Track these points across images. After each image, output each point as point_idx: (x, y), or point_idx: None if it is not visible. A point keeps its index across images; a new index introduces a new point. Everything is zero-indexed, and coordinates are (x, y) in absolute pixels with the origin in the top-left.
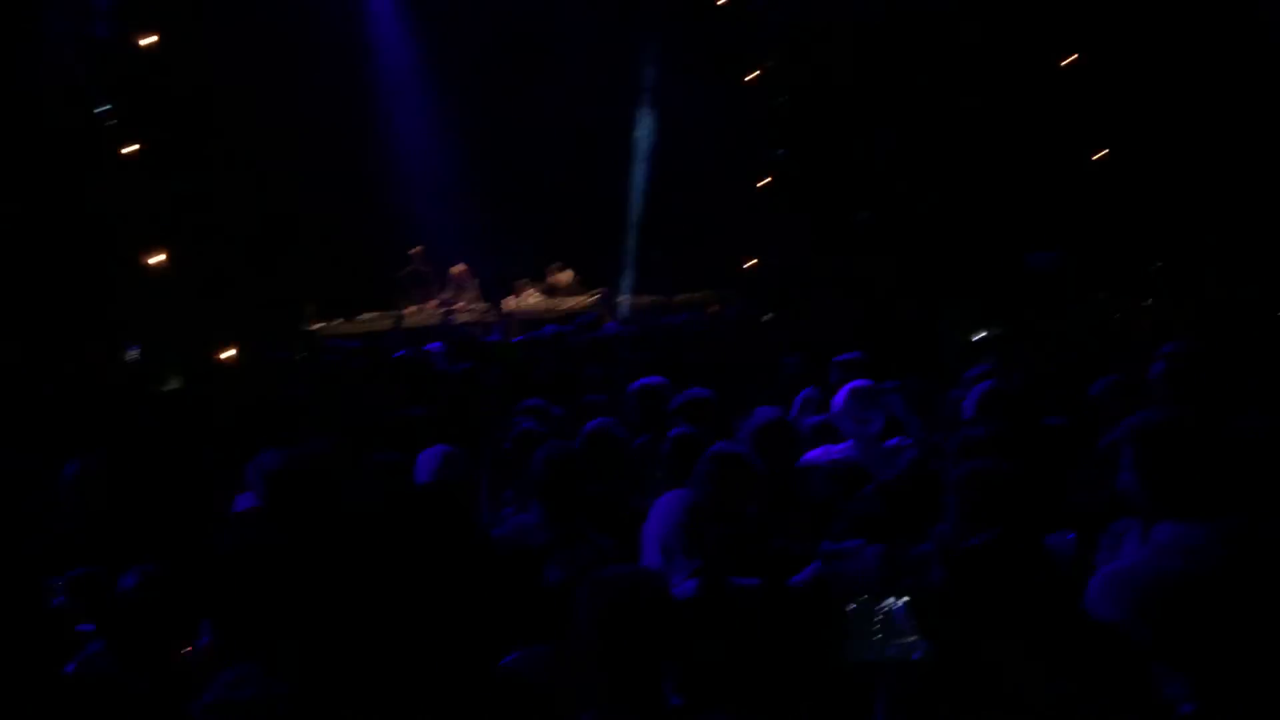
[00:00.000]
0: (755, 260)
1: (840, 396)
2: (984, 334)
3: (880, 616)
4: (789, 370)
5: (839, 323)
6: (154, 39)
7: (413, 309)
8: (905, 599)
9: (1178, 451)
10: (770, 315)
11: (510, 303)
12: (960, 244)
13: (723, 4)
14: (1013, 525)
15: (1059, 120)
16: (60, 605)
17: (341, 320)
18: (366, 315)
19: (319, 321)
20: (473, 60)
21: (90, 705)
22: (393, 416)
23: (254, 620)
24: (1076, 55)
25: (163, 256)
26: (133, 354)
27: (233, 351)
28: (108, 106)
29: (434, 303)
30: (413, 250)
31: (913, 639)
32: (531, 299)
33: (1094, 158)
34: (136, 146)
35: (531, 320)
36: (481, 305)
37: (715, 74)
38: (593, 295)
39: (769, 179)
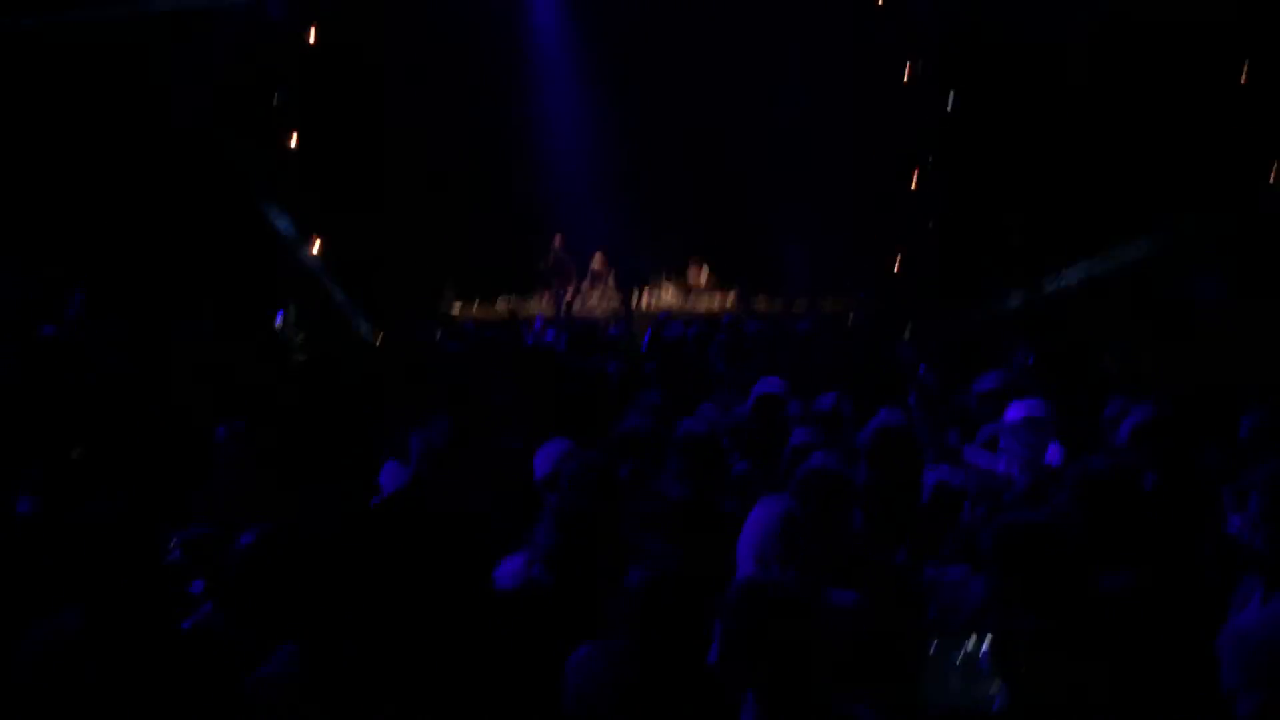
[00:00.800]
0: (898, 265)
1: (1013, 416)
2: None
3: (961, 658)
4: (924, 383)
5: (981, 340)
6: (315, 29)
7: (548, 297)
8: (988, 641)
9: None
10: (910, 329)
11: (646, 297)
12: (1116, 264)
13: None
14: (1150, 570)
15: (1231, 138)
16: (175, 562)
17: (479, 304)
18: (504, 300)
19: (458, 303)
20: (624, 57)
21: (196, 662)
22: (511, 403)
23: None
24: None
25: (317, 244)
26: (278, 321)
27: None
28: (278, 95)
29: (569, 292)
30: (555, 238)
31: (994, 687)
32: (667, 295)
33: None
34: (295, 135)
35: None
36: (616, 297)
37: (866, 74)
38: (728, 294)
39: (916, 184)
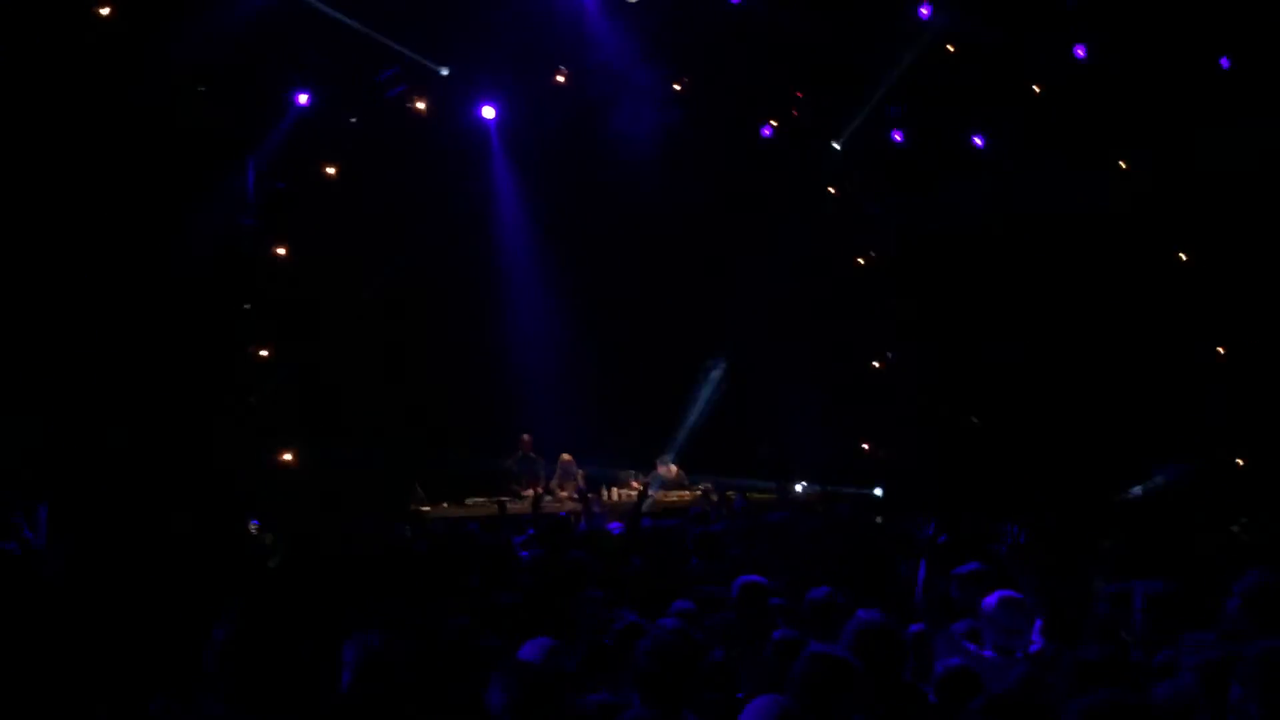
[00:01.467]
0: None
1: (990, 603)
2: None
3: None
4: (902, 572)
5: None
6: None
7: (517, 497)
8: None
9: None
10: (881, 518)
11: (614, 494)
12: (1081, 452)
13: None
14: None
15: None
16: None
17: (448, 504)
18: (472, 500)
19: (426, 505)
20: (589, 254)
21: None
22: (485, 601)
23: None
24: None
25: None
26: (255, 526)
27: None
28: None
29: (539, 489)
30: (522, 437)
31: None
32: (636, 490)
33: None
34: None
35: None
36: (587, 494)
37: (821, 266)
38: (697, 489)
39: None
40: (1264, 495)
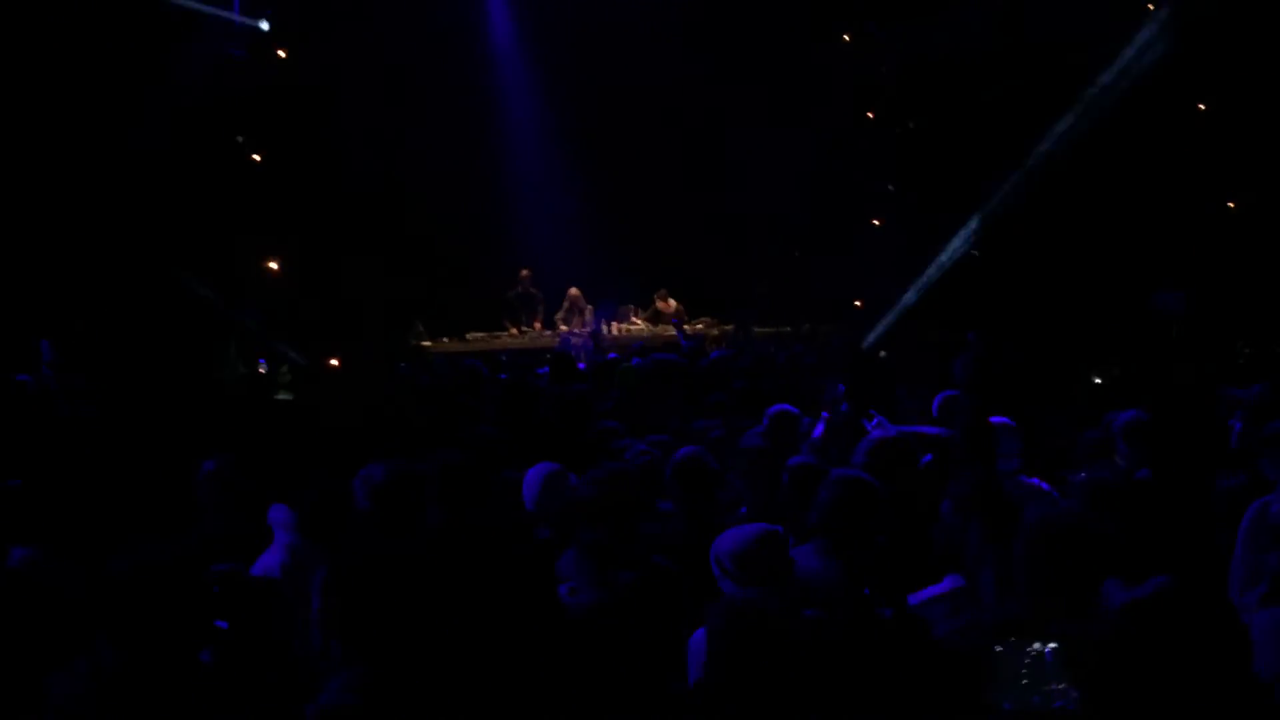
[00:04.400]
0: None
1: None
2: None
3: (1029, 660)
4: (902, 403)
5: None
6: (283, 55)
7: (517, 331)
8: (1054, 645)
9: None
10: (884, 351)
11: (614, 328)
12: (1081, 280)
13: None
14: (1187, 573)
15: (1193, 155)
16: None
17: (449, 339)
18: (474, 335)
19: (427, 339)
20: (591, 89)
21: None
22: (495, 433)
23: (369, 628)
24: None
25: (274, 265)
26: (262, 367)
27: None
28: (239, 137)
29: (538, 324)
30: (521, 272)
31: (1061, 687)
32: (636, 325)
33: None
34: (258, 157)
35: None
36: (592, 328)
37: (832, 108)
38: (696, 323)
39: (880, 217)
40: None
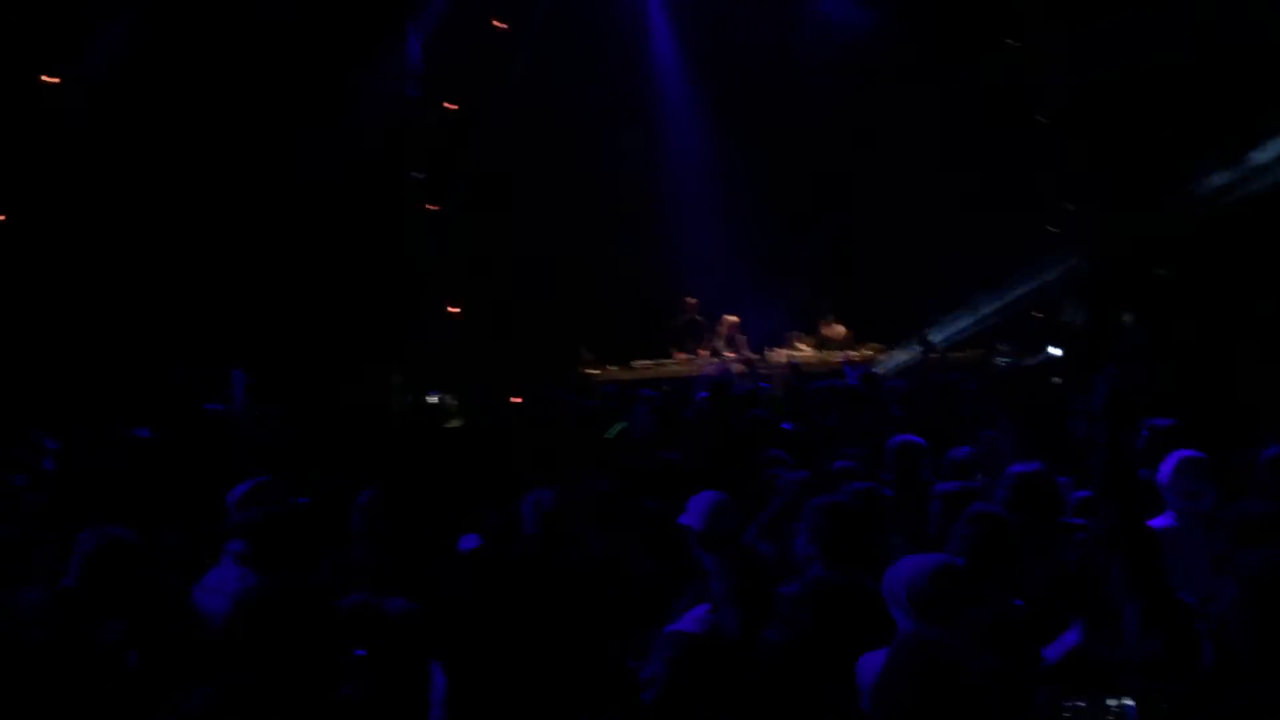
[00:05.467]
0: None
1: (1168, 466)
2: None
3: (1110, 716)
4: (1077, 434)
5: (1137, 385)
6: (451, 107)
7: (685, 357)
8: (1134, 701)
9: None
10: (1059, 376)
11: (780, 354)
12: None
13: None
14: None
15: None
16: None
17: (616, 367)
18: (640, 362)
19: (595, 367)
20: (752, 111)
21: None
22: (652, 460)
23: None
24: None
25: (458, 310)
26: (433, 398)
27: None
28: (419, 173)
29: (705, 352)
30: (687, 300)
31: None
32: (804, 352)
33: None
34: (437, 207)
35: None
36: (751, 355)
37: (998, 120)
38: (864, 349)
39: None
40: None
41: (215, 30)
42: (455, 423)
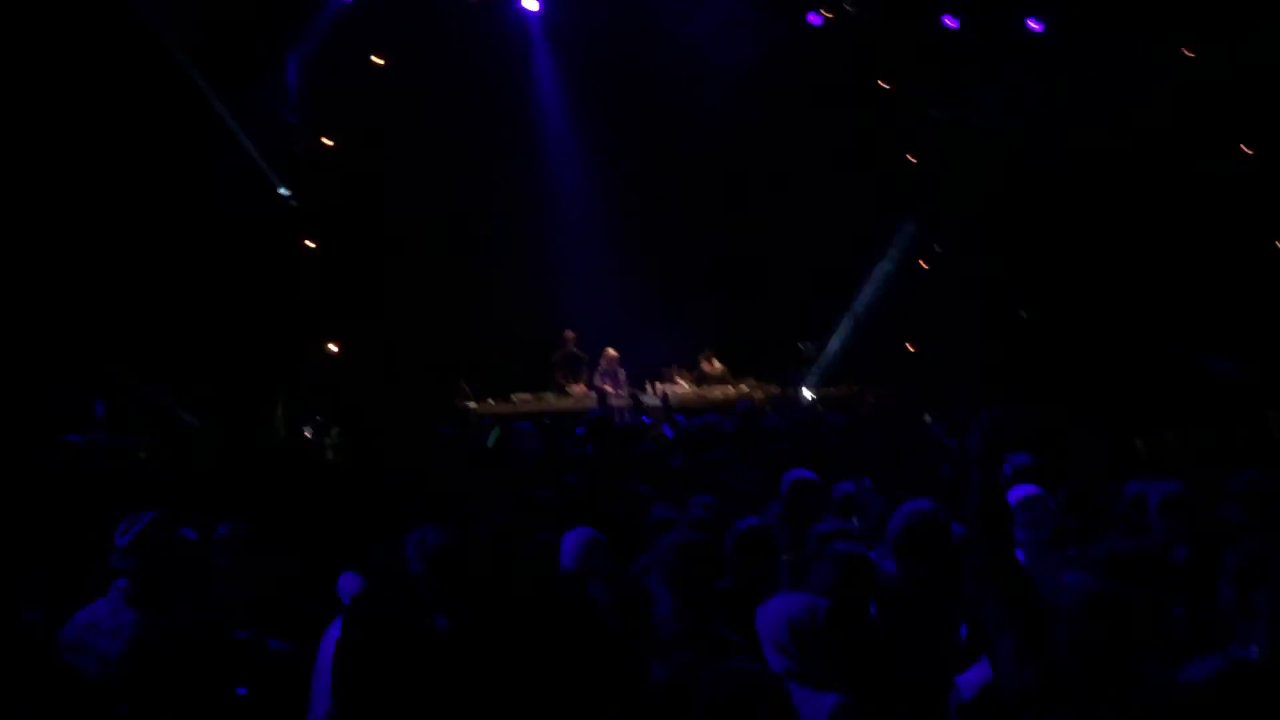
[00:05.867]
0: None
1: (1011, 501)
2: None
3: None
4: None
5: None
6: (329, 143)
7: (564, 392)
8: None
9: None
10: (930, 416)
11: (658, 389)
12: (1130, 343)
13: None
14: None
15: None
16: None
17: (494, 401)
18: (519, 396)
19: (472, 401)
20: (633, 146)
21: None
22: (530, 495)
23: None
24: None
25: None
26: (308, 431)
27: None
28: (289, 194)
29: (582, 386)
30: (566, 333)
31: None
32: (682, 387)
33: None
34: (314, 245)
35: (679, 407)
36: (629, 390)
37: (867, 162)
38: (741, 384)
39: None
40: None
41: (89, 44)
42: (332, 457)
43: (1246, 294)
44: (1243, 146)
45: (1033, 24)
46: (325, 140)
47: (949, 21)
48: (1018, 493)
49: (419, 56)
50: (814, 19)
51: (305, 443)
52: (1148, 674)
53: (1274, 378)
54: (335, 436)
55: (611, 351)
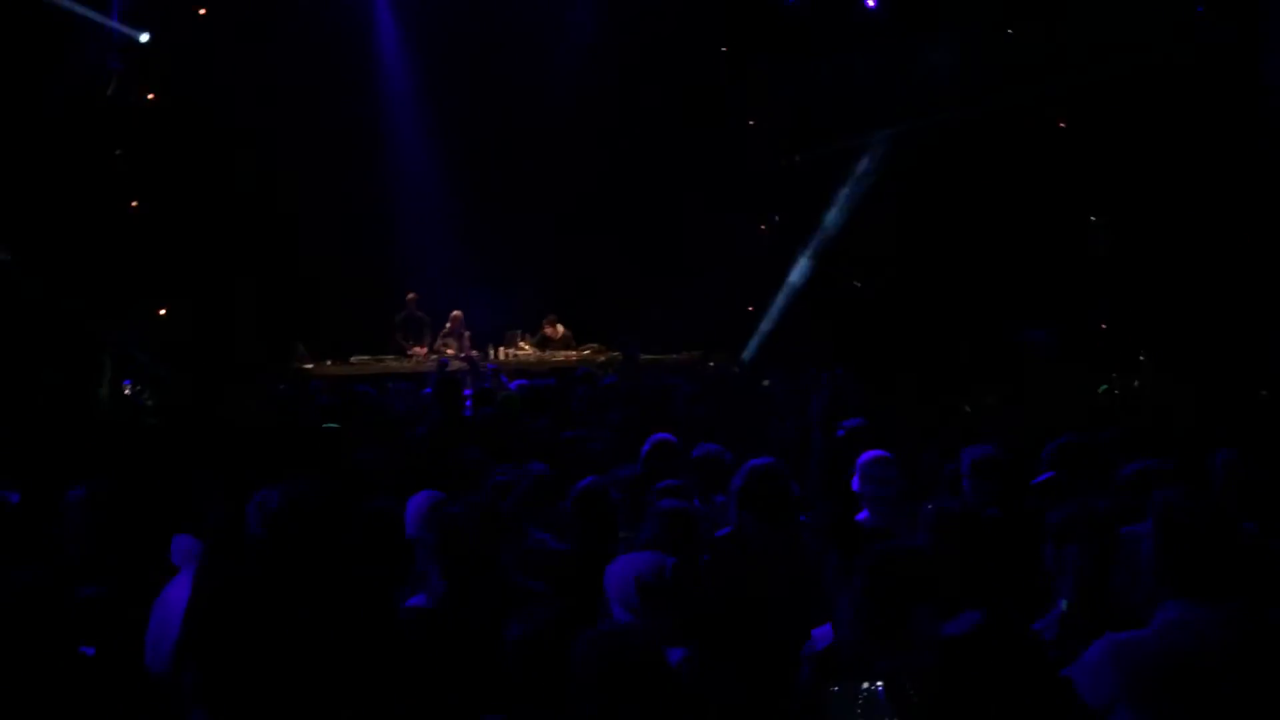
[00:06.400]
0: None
1: (860, 463)
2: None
3: (862, 699)
4: (781, 433)
5: (837, 390)
6: (151, 97)
7: (404, 354)
8: (883, 685)
9: (1199, 534)
10: (768, 380)
11: (501, 353)
12: (954, 316)
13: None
14: (997, 609)
15: (1057, 193)
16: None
17: (332, 362)
18: (358, 358)
19: (309, 362)
20: (477, 109)
21: None
22: (370, 459)
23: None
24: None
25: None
26: (128, 387)
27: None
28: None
29: (423, 349)
30: (408, 296)
31: None
32: (524, 350)
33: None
34: (135, 203)
35: (521, 372)
36: (473, 353)
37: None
38: (584, 350)
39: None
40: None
41: None
42: (152, 418)
43: (1059, 269)
44: (1061, 123)
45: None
46: (148, 95)
47: None
48: (867, 455)
49: (257, 7)
50: None
51: (130, 403)
52: (920, 627)
53: (1086, 348)
54: (148, 395)
55: (457, 313)
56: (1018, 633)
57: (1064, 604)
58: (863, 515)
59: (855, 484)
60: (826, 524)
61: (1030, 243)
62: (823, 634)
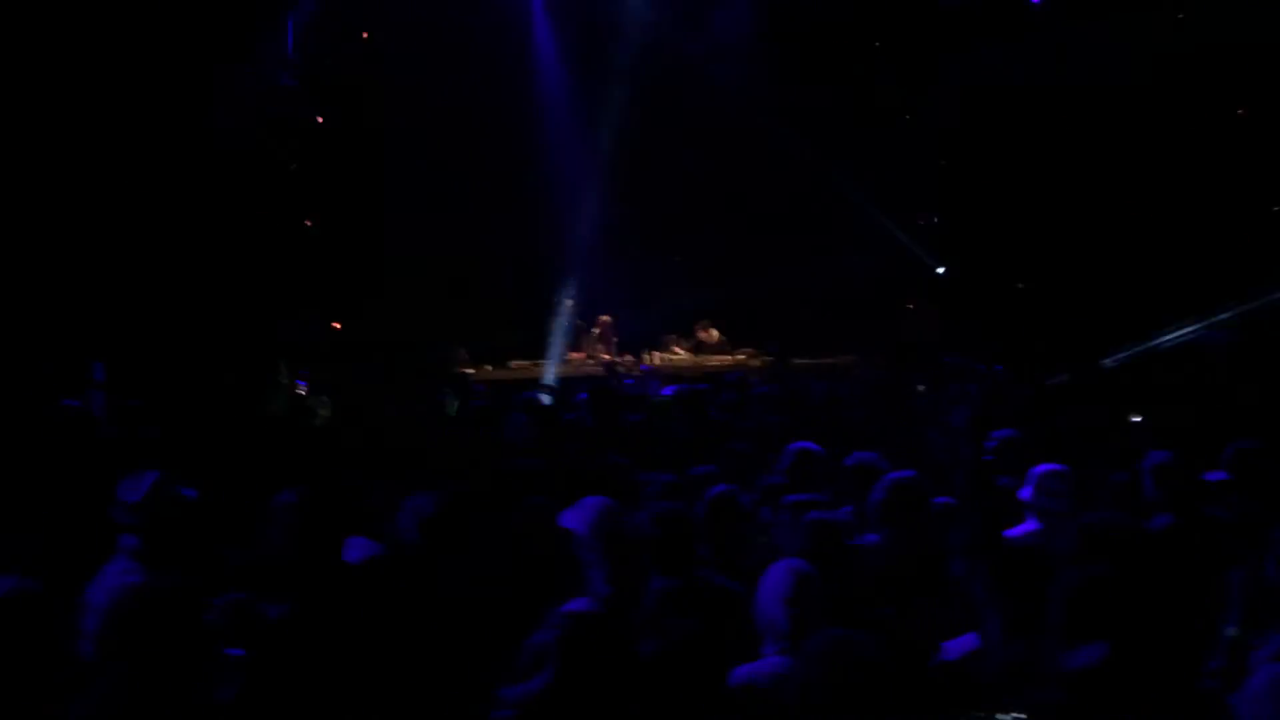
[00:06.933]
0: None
1: (1035, 473)
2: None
3: None
4: (935, 444)
5: (989, 396)
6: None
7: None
8: (1023, 715)
9: None
10: (924, 387)
11: (655, 357)
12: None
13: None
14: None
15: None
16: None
17: (491, 367)
18: (517, 363)
19: (470, 367)
20: (633, 113)
21: None
22: (527, 464)
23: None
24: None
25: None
26: (302, 388)
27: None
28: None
29: (581, 354)
30: (564, 301)
31: None
32: (677, 355)
33: None
34: (309, 222)
35: (675, 376)
36: (626, 358)
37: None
38: (738, 354)
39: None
40: None
41: (79, 9)
42: (322, 421)
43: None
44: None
45: None
46: (318, 119)
47: None
48: (1043, 467)
49: (417, 19)
50: None
51: (305, 409)
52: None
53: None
54: (326, 404)
55: (605, 318)
56: (1148, 666)
57: (1231, 630)
58: (1027, 526)
59: (1025, 493)
60: (971, 540)
61: (1205, 237)
62: (956, 646)
